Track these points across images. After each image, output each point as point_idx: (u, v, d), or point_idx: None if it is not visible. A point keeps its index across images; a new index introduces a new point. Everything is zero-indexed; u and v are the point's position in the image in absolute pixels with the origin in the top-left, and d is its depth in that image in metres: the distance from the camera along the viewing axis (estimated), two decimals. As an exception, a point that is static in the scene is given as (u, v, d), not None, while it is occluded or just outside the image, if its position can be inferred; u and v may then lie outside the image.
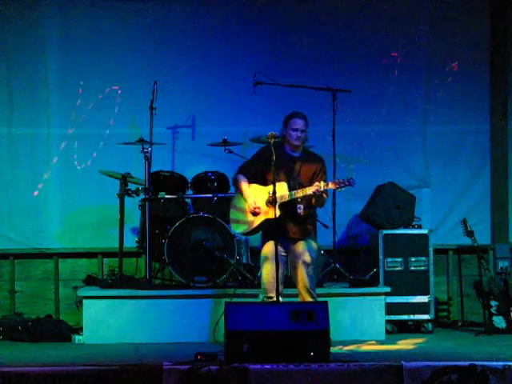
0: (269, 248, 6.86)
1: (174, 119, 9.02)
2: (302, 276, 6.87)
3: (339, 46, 9.11)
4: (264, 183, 6.93)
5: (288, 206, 6.79)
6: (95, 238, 8.97)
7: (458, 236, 8.65)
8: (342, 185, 6.68)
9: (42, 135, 8.97)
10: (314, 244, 6.98)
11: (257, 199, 6.88)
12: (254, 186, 6.98)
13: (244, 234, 7.12)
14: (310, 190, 6.69)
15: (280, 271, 6.76)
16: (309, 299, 6.86)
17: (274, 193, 6.64)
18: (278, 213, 6.72)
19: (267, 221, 6.82)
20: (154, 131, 8.22)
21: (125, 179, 8.28)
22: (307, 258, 6.87)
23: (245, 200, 6.95)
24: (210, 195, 8.22)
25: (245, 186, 6.97)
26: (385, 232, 8.44)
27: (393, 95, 9.14)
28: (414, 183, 9.10)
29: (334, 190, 6.97)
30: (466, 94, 9.17)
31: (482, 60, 9.17)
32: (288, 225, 6.86)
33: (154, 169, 8.21)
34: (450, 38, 9.15)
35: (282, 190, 6.80)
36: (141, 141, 8.10)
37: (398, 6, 9.15)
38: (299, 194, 6.74)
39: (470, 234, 8.36)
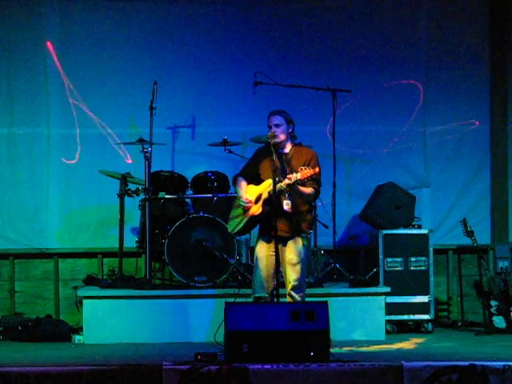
0: (258, 248, 6.86)
1: (173, 119, 9.03)
2: (287, 276, 6.77)
3: (339, 45, 9.11)
4: (260, 183, 6.91)
5: (274, 203, 6.68)
6: (95, 238, 8.98)
7: (458, 236, 8.65)
8: (309, 173, 6.49)
9: (41, 135, 8.98)
10: (302, 242, 6.83)
11: (249, 198, 6.85)
12: (250, 186, 6.96)
13: (234, 232, 7.04)
14: (283, 183, 6.62)
15: (270, 271, 6.77)
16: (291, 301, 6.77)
17: (275, 192, 6.62)
18: (260, 210, 6.70)
19: (252, 218, 6.80)
20: (154, 131, 8.22)
21: (125, 179, 8.28)
22: (292, 257, 6.78)
23: (239, 199, 6.93)
24: (210, 195, 8.23)
25: (240, 186, 6.94)
26: (385, 232, 8.44)
27: (393, 95, 9.14)
28: (414, 183, 9.11)
29: (303, 180, 6.58)
30: (465, 94, 9.17)
31: (481, 60, 9.17)
32: (274, 222, 6.69)
33: (153, 169, 8.21)
34: (450, 37, 9.16)
35: (268, 186, 6.76)
36: (141, 141, 8.11)
37: (398, 5, 9.16)
38: (277, 187, 6.62)
39: (469, 234, 8.36)
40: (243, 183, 6.95)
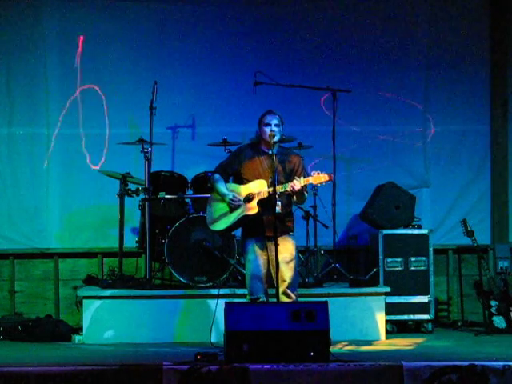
0: (249, 250, 6.83)
1: (174, 119, 9.03)
2: (282, 275, 6.71)
3: (339, 45, 9.11)
4: (241, 182, 6.90)
5: (266, 204, 6.70)
6: (95, 238, 8.98)
7: (458, 236, 8.65)
8: (323, 179, 6.59)
9: (41, 135, 8.98)
10: (292, 242, 6.86)
11: (238, 196, 6.84)
12: (232, 184, 6.96)
13: (223, 231, 6.98)
14: (288, 187, 6.63)
15: (263, 271, 6.78)
16: (285, 300, 6.73)
17: (274, 191, 6.61)
18: (256, 209, 6.71)
19: (246, 217, 6.78)
20: (154, 131, 8.22)
21: (125, 179, 8.28)
22: (286, 255, 6.76)
23: (222, 198, 6.89)
24: (210, 195, 8.22)
25: (221, 184, 6.92)
26: (385, 232, 8.44)
27: (393, 95, 9.14)
28: (414, 183, 9.10)
29: (315, 185, 6.76)
30: (466, 94, 9.17)
31: (481, 60, 9.17)
32: (266, 223, 6.75)
33: (153, 169, 8.22)
34: (450, 37, 9.16)
35: (261, 186, 6.76)
36: (141, 141, 8.11)
37: (398, 6, 9.16)
38: (278, 189, 6.64)
39: (469, 234, 8.36)
40: (223, 182, 6.93)
